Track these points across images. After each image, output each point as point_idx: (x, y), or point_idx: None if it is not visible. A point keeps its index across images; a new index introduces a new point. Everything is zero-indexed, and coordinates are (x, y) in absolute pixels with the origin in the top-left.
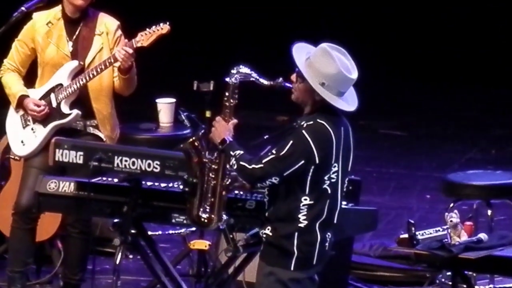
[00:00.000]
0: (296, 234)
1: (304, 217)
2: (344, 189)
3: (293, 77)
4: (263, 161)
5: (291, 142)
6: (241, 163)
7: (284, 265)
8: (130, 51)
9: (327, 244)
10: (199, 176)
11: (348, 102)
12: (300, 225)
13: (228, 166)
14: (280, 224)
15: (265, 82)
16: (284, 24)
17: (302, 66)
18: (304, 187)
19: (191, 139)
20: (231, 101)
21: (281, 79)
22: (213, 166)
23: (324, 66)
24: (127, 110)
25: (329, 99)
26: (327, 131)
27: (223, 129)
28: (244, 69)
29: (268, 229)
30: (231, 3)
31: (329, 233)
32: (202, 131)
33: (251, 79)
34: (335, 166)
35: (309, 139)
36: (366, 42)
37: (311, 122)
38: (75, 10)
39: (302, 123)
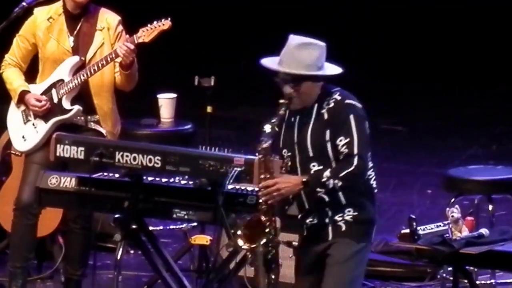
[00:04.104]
0: (373, 203)
1: (374, 181)
2: None
3: (287, 89)
4: (354, 153)
5: (350, 116)
6: (341, 174)
7: (370, 238)
8: (132, 47)
9: None
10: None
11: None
12: (375, 191)
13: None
14: (363, 199)
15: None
16: (284, 22)
17: (291, 69)
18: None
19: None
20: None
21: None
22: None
23: (308, 56)
24: (128, 106)
25: (331, 71)
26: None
27: (288, 179)
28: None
29: (349, 211)
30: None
31: None
32: (237, 220)
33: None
34: None
35: (354, 102)
36: (367, 40)
37: (338, 93)
38: (76, 6)
39: (337, 99)
